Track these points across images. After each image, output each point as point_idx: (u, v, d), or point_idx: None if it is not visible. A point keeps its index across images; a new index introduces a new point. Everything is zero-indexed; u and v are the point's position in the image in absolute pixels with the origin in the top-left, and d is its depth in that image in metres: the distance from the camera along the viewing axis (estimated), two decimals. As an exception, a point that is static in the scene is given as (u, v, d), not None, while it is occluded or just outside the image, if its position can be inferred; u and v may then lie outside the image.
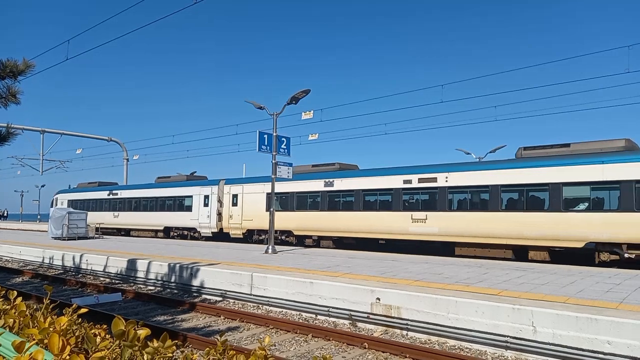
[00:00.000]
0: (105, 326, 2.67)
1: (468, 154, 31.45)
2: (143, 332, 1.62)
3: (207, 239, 26.52)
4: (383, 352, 7.14)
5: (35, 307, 3.01)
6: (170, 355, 1.70)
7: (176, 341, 1.88)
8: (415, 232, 17.19)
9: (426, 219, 17.82)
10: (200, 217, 26.77)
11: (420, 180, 18.12)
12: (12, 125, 7.52)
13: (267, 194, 22.86)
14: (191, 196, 27.29)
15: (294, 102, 17.03)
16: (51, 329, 1.77)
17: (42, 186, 43.33)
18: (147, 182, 31.61)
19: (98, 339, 1.99)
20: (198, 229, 27.06)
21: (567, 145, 16.18)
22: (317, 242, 21.99)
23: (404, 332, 8.19)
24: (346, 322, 8.97)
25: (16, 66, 6.69)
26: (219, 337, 2.72)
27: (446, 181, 17.59)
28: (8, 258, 20.19)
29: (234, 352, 2.62)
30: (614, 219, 14.18)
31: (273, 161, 16.93)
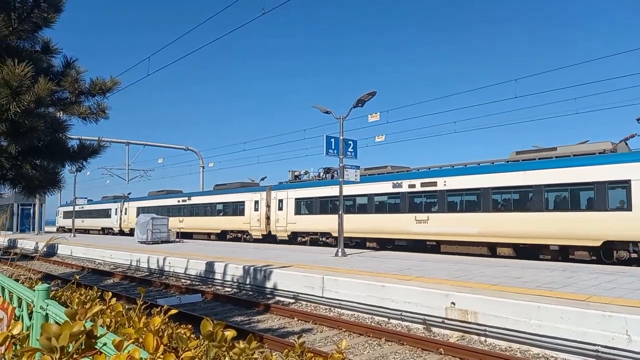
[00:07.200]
0: (190, 326, 2.82)
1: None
2: (230, 334, 1.70)
3: (115, 234, 44.46)
4: (460, 358, 6.91)
5: (127, 307, 3.25)
6: (255, 356, 1.76)
7: (258, 343, 1.95)
8: (185, 227, 33.98)
9: (182, 221, 34.50)
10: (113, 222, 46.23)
11: (182, 201, 35.42)
12: (102, 139, 8.15)
13: (138, 208, 41.29)
14: (109, 209, 45.86)
15: (360, 104, 17.01)
16: (145, 329, 1.91)
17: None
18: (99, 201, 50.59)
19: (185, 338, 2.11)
20: (114, 228, 45.80)
21: (240, 183, 32.80)
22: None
23: (482, 339, 7.87)
24: (420, 326, 8.79)
25: (104, 84, 7.24)
26: (296, 339, 2.78)
27: (189, 200, 35.02)
28: (100, 261, 21.94)
29: (311, 354, 2.68)
30: (242, 219, 29.86)
31: (340, 164, 17.01)
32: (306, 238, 25.82)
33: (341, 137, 17.02)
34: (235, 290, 13.34)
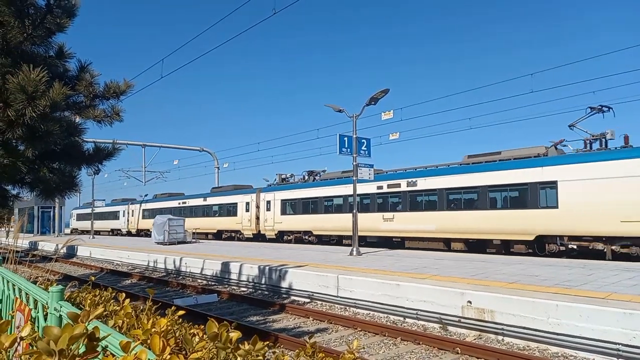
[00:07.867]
0: (202, 326, 2.82)
1: (564, 146, 29.11)
2: (234, 335, 1.69)
3: (123, 235, 47.33)
4: (477, 357, 6.83)
5: (141, 307, 3.27)
6: (262, 357, 1.75)
7: (267, 342, 1.95)
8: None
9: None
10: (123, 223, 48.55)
11: (183, 203, 38.21)
12: (117, 141, 8.23)
13: (144, 210, 43.50)
14: (118, 211, 48.37)
15: (373, 102, 16.92)
16: (153, 330, 1.91)
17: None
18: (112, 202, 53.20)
19: (197, 339, 2.12)
20: (122, 229, 48.19)
21: (234, 185, 34.93)
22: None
23: (500, 338, 7.76)
24: (436, 325, 8.71)
25: (118, 87, 7.29)
26: (308, 339, 2.77)
27: (189, 202, 37.64)
28: (119, 262, 22.24)
29: (323, 354, 2.65)
30: (235, 219, 32.06)
31: (354, 163, 16.95)
32: (291, 236, 27.67)
33: (354, 136, 16.96)
34: (250, 290, 13.40)
